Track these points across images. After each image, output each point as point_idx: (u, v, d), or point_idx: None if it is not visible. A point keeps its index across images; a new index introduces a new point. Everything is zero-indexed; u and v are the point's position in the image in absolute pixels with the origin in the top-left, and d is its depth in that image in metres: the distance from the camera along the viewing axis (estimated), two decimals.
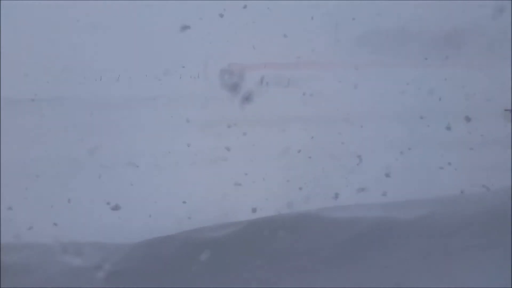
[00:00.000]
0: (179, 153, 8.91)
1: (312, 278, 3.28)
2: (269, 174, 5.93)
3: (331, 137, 9.38)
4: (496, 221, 3.93)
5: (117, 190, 4.61)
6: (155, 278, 3.37)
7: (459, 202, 4.15)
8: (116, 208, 4.13)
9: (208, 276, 3.33)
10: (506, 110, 10.86)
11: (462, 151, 8.28)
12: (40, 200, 4.44)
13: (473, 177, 4.78)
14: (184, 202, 4.12)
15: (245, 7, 9.28)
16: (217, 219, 3.70)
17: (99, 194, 4.04)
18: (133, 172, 7.66)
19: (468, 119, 12.38)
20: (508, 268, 3.39)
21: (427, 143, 8.84)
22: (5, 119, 6.38)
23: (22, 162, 6.04)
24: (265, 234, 3.60)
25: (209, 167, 7.77)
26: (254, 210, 3.84)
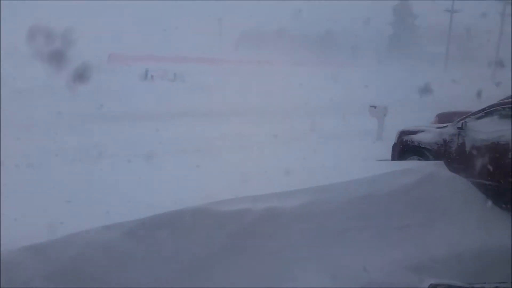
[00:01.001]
0: (49, 152, 8.12)
1: (207, 272, 3.28)
2: (146, 170, 5.75)
3: (219, 131, 9.50)
4: (368, 205, 4.39)
5: None
6: None
7: (335, 189, 4.49)
8: None
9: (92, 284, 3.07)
10: (371, 106, 12.12)
11: (335, 143, 9.08)
12: None
13: (345, 166, 5.22)
14: (59, 204, 3.73)
15: None
16: (95, 222, 3.44)
17: None
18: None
19: (342, 112, 13.48)
20: (381, 245, 3.81)
21: (308, 136, 9.49)
22: None
23: None
24: (153, 233, 3.48)
25: (84, 165, 7.19)
26: (132, 210, 3.66)
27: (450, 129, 6.87)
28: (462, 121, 6.71)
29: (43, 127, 10.19)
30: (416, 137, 7.34)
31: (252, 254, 3.45)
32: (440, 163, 5.97)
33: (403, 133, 7.67)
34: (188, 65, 27.06)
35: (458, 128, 6.66)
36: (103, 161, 6.98)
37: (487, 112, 6.51)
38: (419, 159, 6.98)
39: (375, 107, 12.02)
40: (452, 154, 6.69)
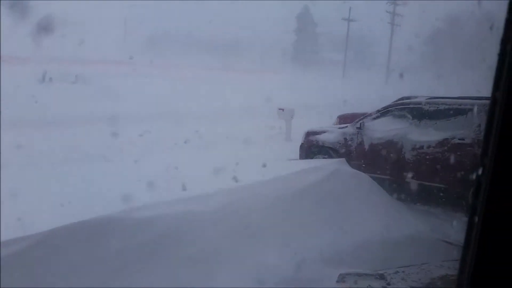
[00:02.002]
0: None
1: (120, 281, 3.14)
2: (49, 178, 5.35)
3: (127, 135, 9.09)
4: (281, 203, 4.54)
5: None
6: None
7: (251, 189, 4.58)
8: None
9: None
10: (279, 109, 12.56)
11: (248, 146, 9.24)
12: None
13: (259, 167, 5.34)
14: None
15: None
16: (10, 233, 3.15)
17: None
18: None
19: (252, 116, 13.70)
20: (294, 240, 3.95)
21: (220, 140, 9.51)
22: None
23: None
24: (66, 243, 3.26)
25: None
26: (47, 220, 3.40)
27: (350, 129, 7.39)
28: (361, 121, 7.27)
29: None
30: (321, 137, 7.78)
31: (168, 261, 3.37)
32: (342, 160, 6.38)
33: (309, 133, 8.08)
34: (92, 67, 25.60)
35: (357, 128, 7.19)
36: None
37: (382, 112, 7.12)
38: (324, 157, 7.40)
39: (283, 109, 12.47)
40: (352, 151, 7.20)
